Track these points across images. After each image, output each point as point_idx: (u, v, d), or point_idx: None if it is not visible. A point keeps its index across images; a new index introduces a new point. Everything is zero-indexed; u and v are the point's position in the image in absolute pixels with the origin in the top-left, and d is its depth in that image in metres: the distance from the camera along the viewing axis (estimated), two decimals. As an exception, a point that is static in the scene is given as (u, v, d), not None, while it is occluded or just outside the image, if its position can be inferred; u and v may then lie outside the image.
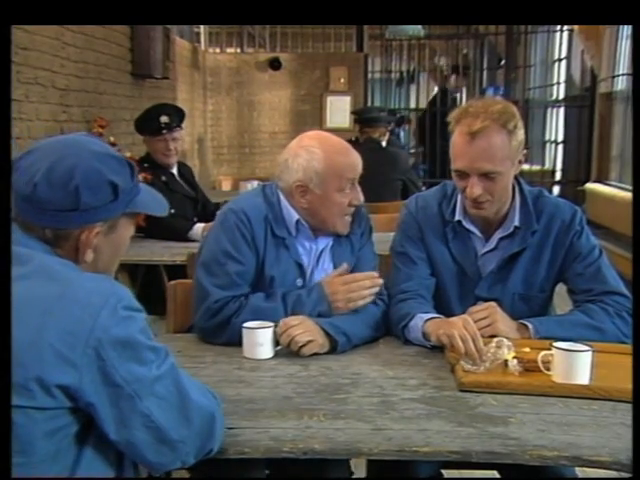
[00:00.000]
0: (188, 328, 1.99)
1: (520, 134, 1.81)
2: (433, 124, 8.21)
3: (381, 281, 1.83)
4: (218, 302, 1.79)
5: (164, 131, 3.56)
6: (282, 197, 1.91)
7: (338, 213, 1.90)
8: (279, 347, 1.71)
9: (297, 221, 1.91)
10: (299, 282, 1.90)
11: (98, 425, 1.12)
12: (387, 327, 1.89)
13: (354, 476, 1.93)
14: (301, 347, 1.69)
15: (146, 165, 3.59)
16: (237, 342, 1.72)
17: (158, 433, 1.15)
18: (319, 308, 1.80)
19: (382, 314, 1.88)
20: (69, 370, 1.07)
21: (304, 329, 1.70)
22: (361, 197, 1.93)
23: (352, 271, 1.88)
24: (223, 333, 1.78)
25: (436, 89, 9.32)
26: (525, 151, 1.85)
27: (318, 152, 1.86)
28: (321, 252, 1.95)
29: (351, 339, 1.77)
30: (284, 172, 1.90)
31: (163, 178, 3.59)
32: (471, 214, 1.89)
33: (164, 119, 3.59)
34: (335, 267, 1.92)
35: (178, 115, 3.68)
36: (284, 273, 1.88)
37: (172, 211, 3.18)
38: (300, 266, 1.90)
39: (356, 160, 1.92)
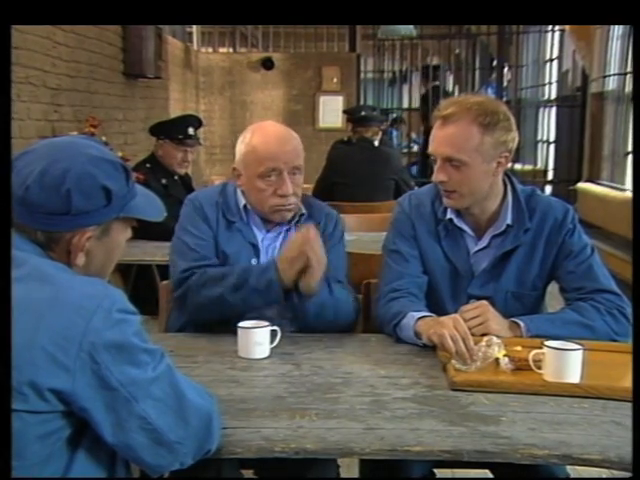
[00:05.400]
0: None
1: (500, 134, 1.81)
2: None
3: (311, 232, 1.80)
4: (185, 272, 1.88)
5: (188, 141, 3.62)
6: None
7: (262, 200, 1.93)
8: (273, 345, 1.71)
9: (244, 206, 1.98)
10: (254, 262, 1.96)
11: (94, 429, 1.12)
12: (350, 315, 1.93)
13: (347, 476, 1.93)
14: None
15: (148, 166, 3.60)
16: (201, 314, 1.87)
17: (155, 435, 1.14)
18: (266, 275, 1.80)
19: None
20: (62, 374, 1.06)
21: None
22: (288, 189, 1.90)
23: None
24: (186, 302, 1.86)
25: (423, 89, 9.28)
26: (508, 154, 1.84)
27: (248, 136, 1.95)
28: (270, 244, 1.99)
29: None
30: None
31: (163, 181, 3.60)
32: (445, 204, 1.91)
33: (191, 131, 3.65)
34: None
35: (199, 128, 3.75)
36: (237, 252, 1.95)
37: (164, 214, 3.19)
38: (254, 246, 1.97)
39: (280, 151, 1.90)
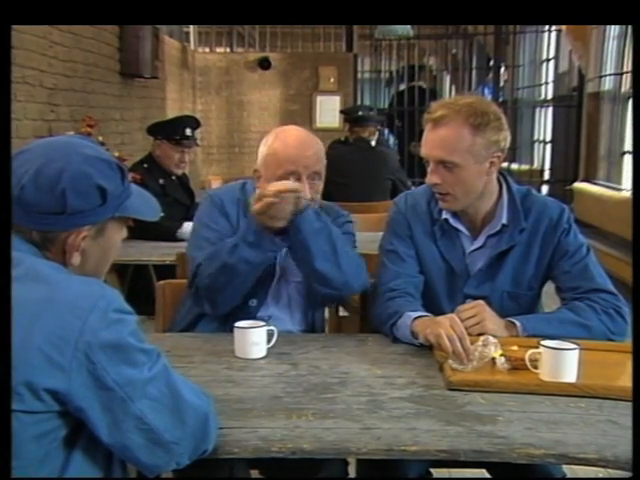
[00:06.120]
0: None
1: (491, 134, 1.81)
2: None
3: (297, 185, 1.80)
4: (201, 265, 1.87)
5: (186, 142, 3.64)
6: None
7: None
8: (270, 345, 1.71)
9: None
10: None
11: (90, 429, 1.12)
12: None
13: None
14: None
15: (145, 166, 3.61)
16: (213, 288, 1.84)
17: (152, 435, 1.14)
18: (251, 226, 1.80)
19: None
20: (58, 374, 1.06)
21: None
22: (306, 194, 1.89)
23: None
24: (199, 286, 1.87)
25: (401, 86, 9.24)
26: (500, 154, 1.84)
27: (270, 139, 1.96)
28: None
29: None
30: None
31: (161, 181, 3.61)
32: (440, 206, 1.91)
33: (188, 131, 3.67)
34: None
35: (196, 129, 3.77)
36: None
37: (162, 214, 3.19)
38: None
39: (300, 155, 1.89)
